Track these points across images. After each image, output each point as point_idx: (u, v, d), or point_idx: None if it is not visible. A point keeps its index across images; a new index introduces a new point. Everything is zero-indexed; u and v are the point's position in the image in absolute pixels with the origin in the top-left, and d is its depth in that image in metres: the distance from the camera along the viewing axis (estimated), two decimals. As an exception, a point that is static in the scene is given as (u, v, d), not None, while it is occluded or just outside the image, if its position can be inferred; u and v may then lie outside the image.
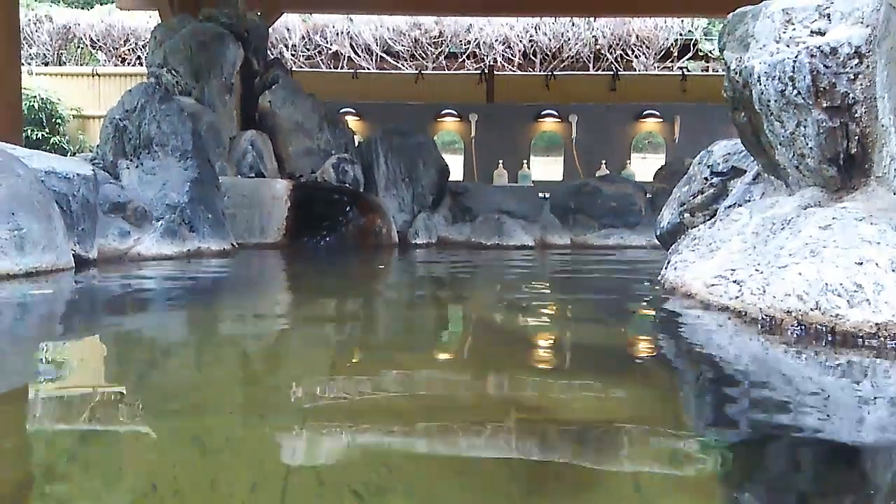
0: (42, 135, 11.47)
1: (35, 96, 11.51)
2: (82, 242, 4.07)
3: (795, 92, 2.53)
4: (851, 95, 2.43)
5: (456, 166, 10.77)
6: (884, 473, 1.12)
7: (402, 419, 1.32)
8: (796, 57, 2.51)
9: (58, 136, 11.76)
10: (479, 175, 11.39)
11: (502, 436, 1.25)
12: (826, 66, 2.46)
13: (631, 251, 7.04)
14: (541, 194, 8.75)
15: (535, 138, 11.66)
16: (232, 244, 5.41)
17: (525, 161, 11.49)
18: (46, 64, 13.17)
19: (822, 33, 2.55)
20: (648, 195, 8.02)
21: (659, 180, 8.12)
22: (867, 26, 2.45)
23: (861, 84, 2.41)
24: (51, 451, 1.18)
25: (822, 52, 2.47)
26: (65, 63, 13.22)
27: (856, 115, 2.45)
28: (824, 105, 2.48)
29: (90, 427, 1.29)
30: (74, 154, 9.74)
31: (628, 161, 11.43)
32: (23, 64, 8.77)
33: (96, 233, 4.28)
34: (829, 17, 2.57)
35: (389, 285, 4.30)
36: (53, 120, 11.84)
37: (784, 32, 2.63)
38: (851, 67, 2.43)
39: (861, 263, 1.92)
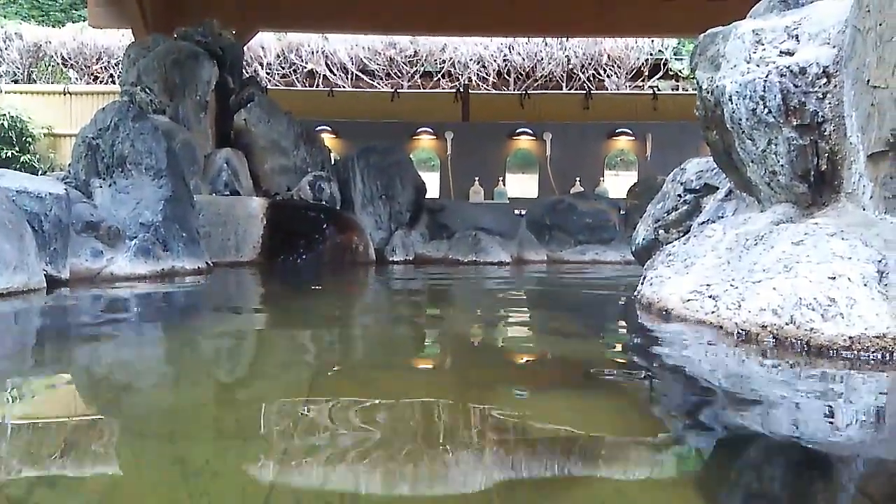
0: (12, 153, 11.30)
1: (4, 114, 11.34)
2: (54, 262, 4.00)
3: (766, 111, 2.59)
4: (820, 114, 2.50)
5: (432, 184, 10.79)
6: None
7: (381, 437, 1.31)
8: (767, 76, 2.57)
9: (28, 155, 11.59)
10: (455, 192, 11.43)
11: (482, 451, 1.25)
12: (795, 86, 2.52)
13: (606, 267, 7.09)
14: (517, 211, 8.81)
15: (510, 156, 11.76)
16: (207, 263, 5.35)
17: (500, 178, 11.57)
18: (16, 81, 13.00)
19: (791, 53, 2.61)
20: (622, 212, 8.11)
21: (632, 197, 8.21)
22: (834, 47, 2.52)
23: (830, 103, 2.47)
24: (28, 478, 1.16)
25: (791, 71, 2.53)
26: (35, 81, 13.05)
27: (825, 133, 2.51)
28: (794, 123, 2.54)
29: (66, 454, 1.26)
30: (45, 173, 9.59)
31: (602, 178, 11.55)
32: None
33: (69, 253, 4.21)
34: (797, 38, 2.64)
35: (368, 303, 4.28)
36: (24, 138, 11.67)
37: (754, 53, 2.70)
38: (820, 87, 2.50)
39: (834, 278, 1.96)
